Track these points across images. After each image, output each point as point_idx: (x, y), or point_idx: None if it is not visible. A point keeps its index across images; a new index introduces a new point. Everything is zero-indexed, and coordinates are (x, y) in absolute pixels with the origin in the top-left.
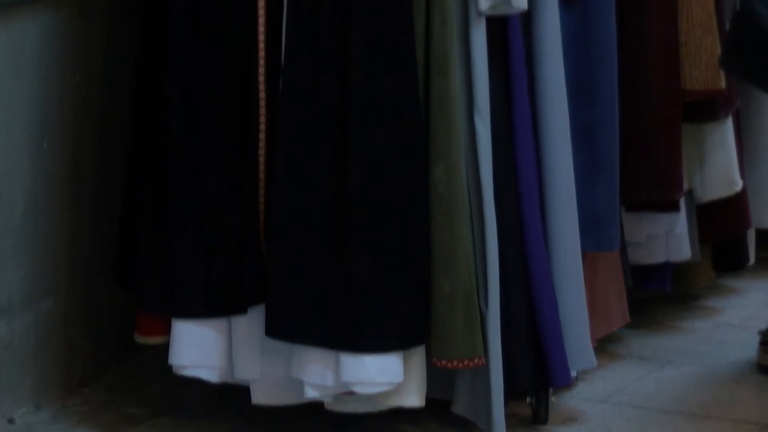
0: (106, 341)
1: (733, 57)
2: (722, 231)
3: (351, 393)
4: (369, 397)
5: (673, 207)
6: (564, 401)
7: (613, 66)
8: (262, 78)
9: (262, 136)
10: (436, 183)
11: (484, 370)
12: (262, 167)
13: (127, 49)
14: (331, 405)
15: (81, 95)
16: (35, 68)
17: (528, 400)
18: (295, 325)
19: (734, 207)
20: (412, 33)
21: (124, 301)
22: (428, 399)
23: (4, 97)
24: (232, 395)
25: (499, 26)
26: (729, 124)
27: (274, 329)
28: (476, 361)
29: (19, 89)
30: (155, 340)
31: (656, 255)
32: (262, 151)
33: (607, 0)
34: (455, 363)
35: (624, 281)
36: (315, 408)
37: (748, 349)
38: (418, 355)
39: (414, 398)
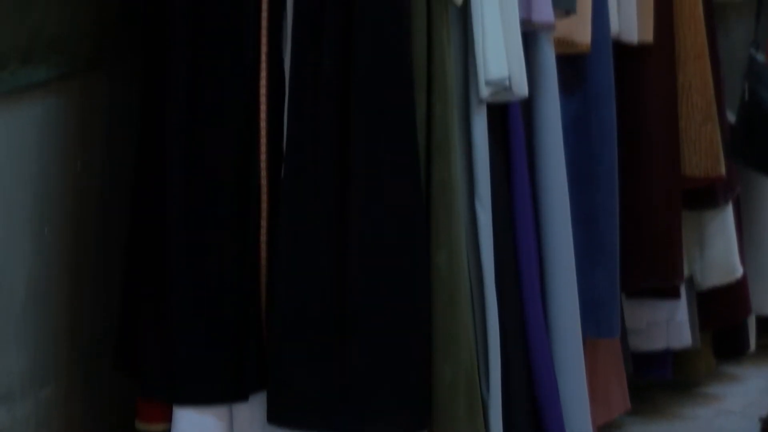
0: (107, 428)
1: (742, 145)
2: (723, 318)
3: None
4: None
5: (674, 294)
6: None
7: (613, 151)
8: (263, 162)
9: (263, 222)
10: (438, 268)
11: None
12: (263, 254)
13: (127, 136)
14: None
15: (81, 183)
16: (36, 155)
17: None
18: (298, 413)
19: (735, 293)
20: (413, 118)
21: (126, 387)
22: None
23: (4, 182)
24: None
25: (499, 112)
26: (729, 211)
27: (276, 416)
28: None
29: (20, 175)
30: (156, 427)
31: (657, 342)
32: (263, 237)
33: (607, 86)
34: None
35: (624, 368)
36: None
37: None
38: None
39: None
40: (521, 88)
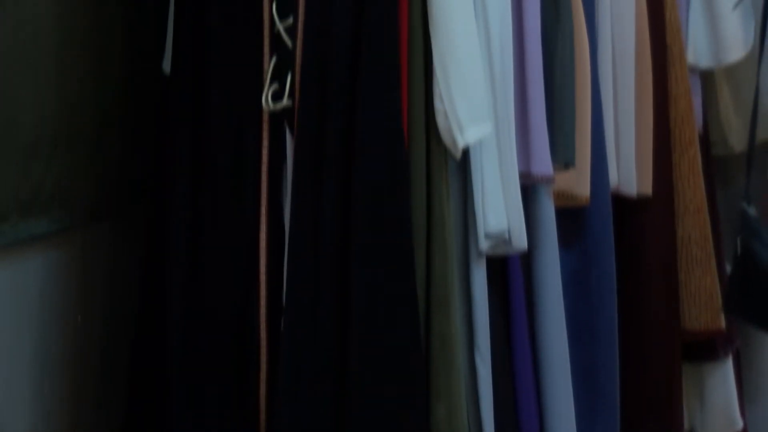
0: None
1: (736, 300)
2: None
3: None
4: None
5: None
6: None
7: (613, 305)
8: (263, 314)
9: (262, 376)
10: (437, 422)
11: None
12: (263, 405)
13: (128, 289)
14: None
15: (82, 336)
16: (37, 307)
17: None
18: None
19: None
20: (413, 271)
21: None
22: None
23: (5, 335)
24: None
25: (499, 265)
26: (729, 363)
27: None
28: None
29: (20, 327)
30: None
31: None
32: (262, 389)
33: (607, 239)
34: None
35: None
36: None
37: None
38: None
39: None
40: (521, 241)
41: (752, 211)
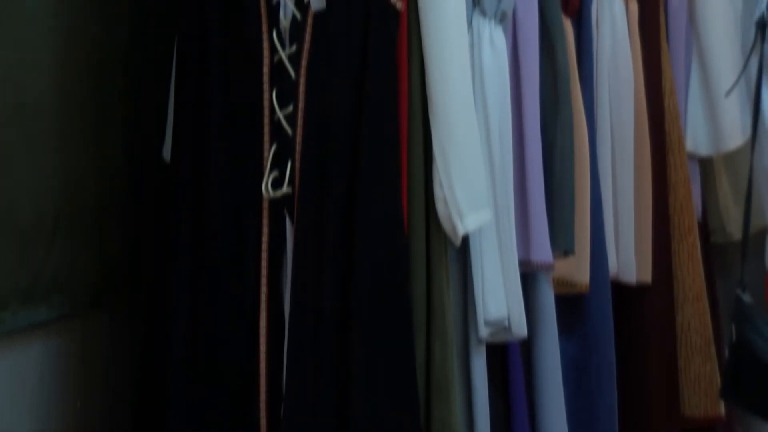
0: None
1: (732, 387)
2: None
3: None
4: None
5: None
6: None
7: (613, 392)
8: (263, 402)
9: None
10: None
11: None
12: None
13: (127, 376)
14: None
15: (81, 422)
16: (36, 394)
17: None
18: None
19: None
20: (413, 358)
21: None
22: None
23: (5, 420)
24: None
25: (499, 352)
26: None
27: None
28: None
29: (21, 413)
30: None
31: None
32: None
33: (607, 326)
34: None
35: None
36: None
37: None
38: None
39: None
40: (520, 329)
41: (747, 298)
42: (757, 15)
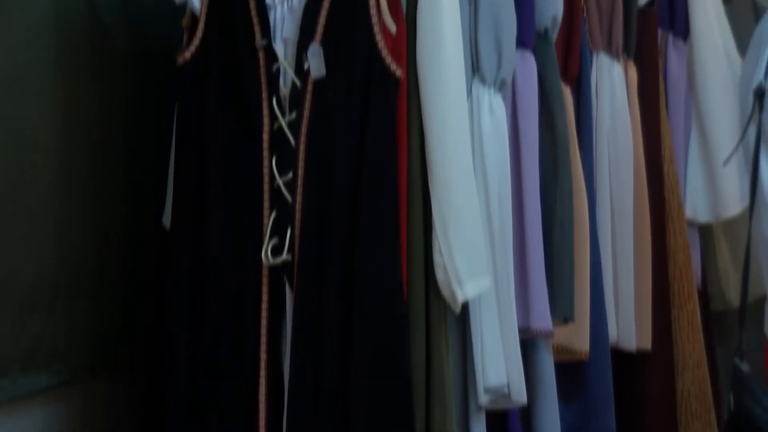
0: None
1: None
2: None
3: None
4: None
5: None
6: None
7: None
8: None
9: None
10: None
11: None
12: None
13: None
14: None
15: None
16: None
17: None
18: None
19: None
20: (413, 427)
21: None
22: None
23: None
24: None
25: (498, 419)
26: None
27: None
28: None
29: None
30: None
31: None
32: None
33: (606, 394)
34: None
35: None
36: None
37: None
38: None
39: None
40: (520, 396)
41: (745, 367)
42: (755, 84)
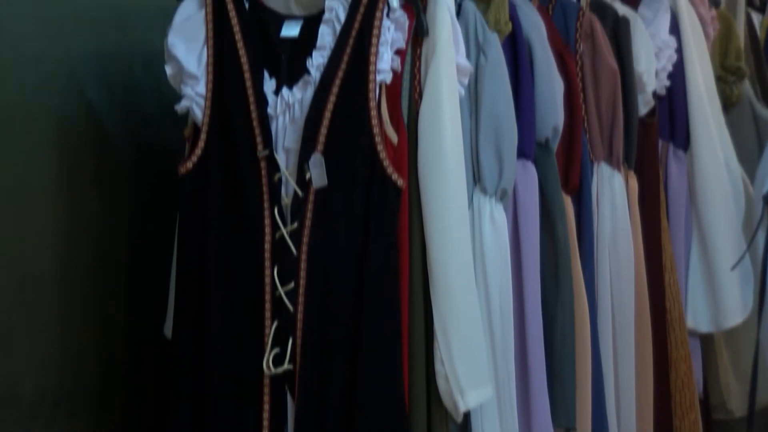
0: None
1: None
2: None
3: None
4: None
5: None
6: None
7: None
8: None
9: None
10: None
11: None
12: None
13: None
14: None
15: None
16: None
17: None
18: None
19: None
20: None
21: None
22: None
23: None
24: None
25: None
26: None
27: None
28: None
29: None
30: None
31: None
32: None
33: None
34: None
35: None
36: None
37: None
38: None
39: None
40: None
41: None
42: (764, 190)
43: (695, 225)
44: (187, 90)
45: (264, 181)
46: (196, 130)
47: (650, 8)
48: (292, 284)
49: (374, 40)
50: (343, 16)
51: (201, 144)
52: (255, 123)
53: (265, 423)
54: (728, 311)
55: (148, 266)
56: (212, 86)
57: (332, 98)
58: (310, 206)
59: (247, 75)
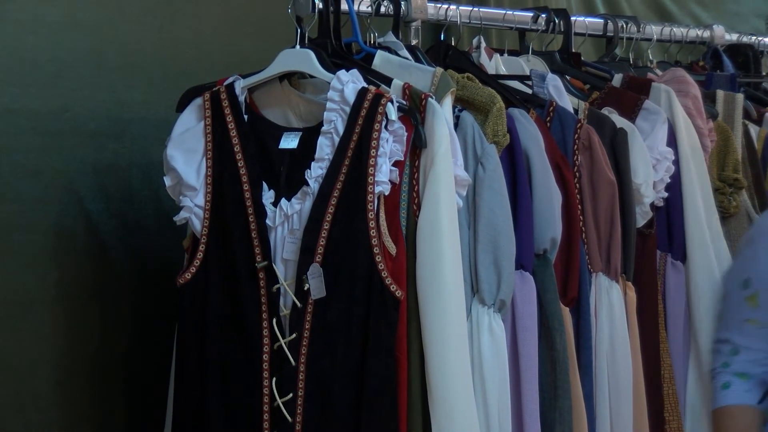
0: None
1: None
2: None
3: None
4: None
5: None
6: None
7: None
8: None
9: None
10: None
11: None
12: None
13: None
14: None
15: None
16: None
17: None
18: None
19: None
20: None
21: None
22: None
23: None
24: None
25: None
26: None
27: None
28: None
29: None
30: None
31: None
32: None
33: None
34: None
35: None
36: None
37: None
38: None
39: None
40: None
41: None
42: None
43: (692, 337)
44: (186, 201)
45: (263, 292)
46: (195, 241)
47: (648, 120)
48: (290, 395)
49: (373, 152)
50: (341, 128)
51: (200, 255)
52: (254, 234)
53: None
54: None
55: (146, 377)
56: (211, 197)
57: (331, 209)
58: (308, 317)
59: (246, 186)
